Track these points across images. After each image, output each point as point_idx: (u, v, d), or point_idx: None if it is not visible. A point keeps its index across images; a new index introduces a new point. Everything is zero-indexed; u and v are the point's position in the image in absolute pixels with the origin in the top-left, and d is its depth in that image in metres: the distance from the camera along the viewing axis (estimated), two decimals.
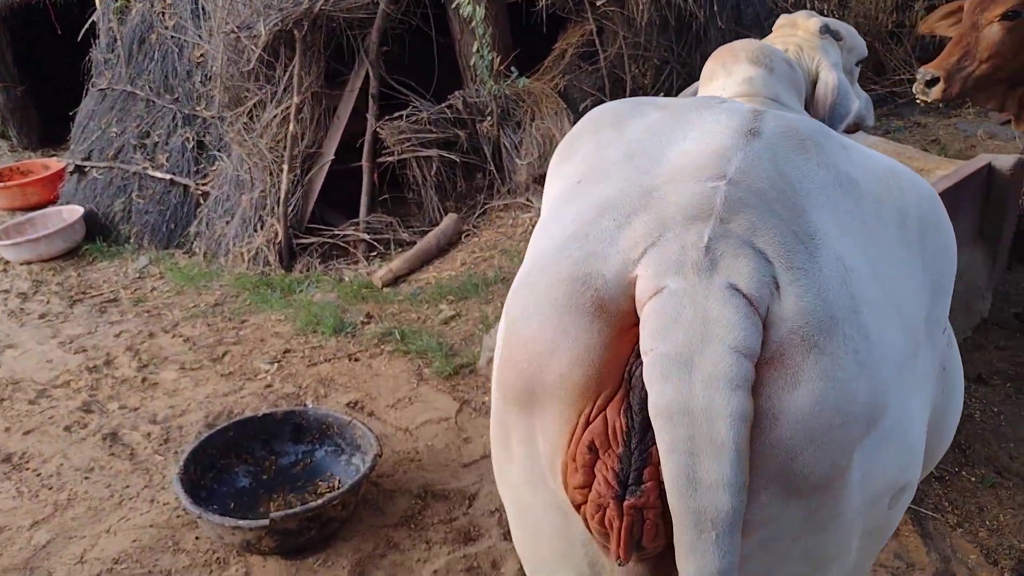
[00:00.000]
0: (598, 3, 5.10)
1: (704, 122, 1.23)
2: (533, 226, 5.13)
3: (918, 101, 3.32)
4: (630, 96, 5.73)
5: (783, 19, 2.48)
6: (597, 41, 5.38)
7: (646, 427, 0.98)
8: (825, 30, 2.42)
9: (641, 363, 1.00)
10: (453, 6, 5.01)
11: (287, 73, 5.24)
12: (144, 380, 4.00)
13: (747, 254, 0.99)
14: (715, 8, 5.31)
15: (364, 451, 2.96)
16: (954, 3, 3.40)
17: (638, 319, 1.03)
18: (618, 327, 1.04)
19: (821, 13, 3.02)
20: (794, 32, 2.42)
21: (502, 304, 4.30)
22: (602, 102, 5.96)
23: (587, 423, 1.03)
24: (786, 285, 0.98)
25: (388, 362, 3.93)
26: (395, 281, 4.82)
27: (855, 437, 0.98)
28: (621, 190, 1.16)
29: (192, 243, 5.64)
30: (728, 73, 2.14)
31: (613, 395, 1.04)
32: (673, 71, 5.58)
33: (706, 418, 0.93)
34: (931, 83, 3.13)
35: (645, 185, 1.15)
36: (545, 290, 1.09)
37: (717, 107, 1.27)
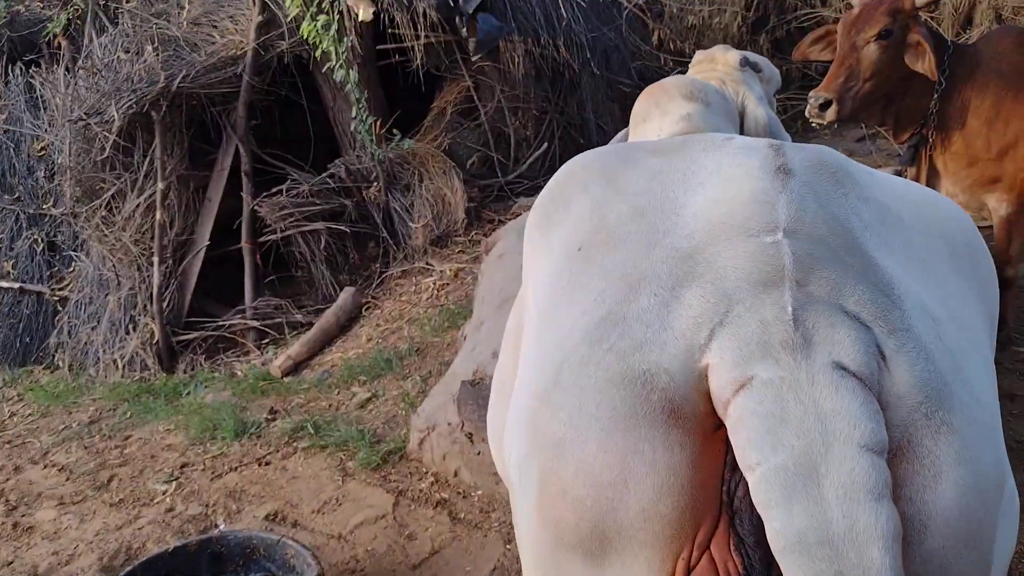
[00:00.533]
0: (473, 60, 5.03)
1: (720, 164, 1.05)
2: (439, 290, 4.93)
3: (813, 124, 3.39)
4: (513, 149, 5.69)
5: (700, 55, 2.45)
6: (476, 96, 5.30)
7: (768, 563, 0.78)
8: (745, 63, 2.39)
9: (742, 479, 0.80)
10: (324, 71, 4.79)
11: (147, 158, 4.82)
12: (15, 525, 3.41)
13: (843, 322, 0.82)
14: (588, 55, 5.37)
15: (300, 572, 2.59)
16: (822, 28, 3.54)
17: (721, 421, 0.83)
18: (700, 436, 0.84)
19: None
20: (713, 67, 2.38)
21: (422, 378, 4.07)
22: (489, 157, 5.92)
23: (688, 569, 0.82)
24: (893, 353, 0.81)
25: (304, 461, 3.55)
26: (296, 368, 4.44)
27: (996, 522, 0.83)
28: (650, 257, 0.96)
29: (54, 356, 5.04)
30: (663, 112, 2.05)
31: (715, 527, 0.83)
32: (552, 120, 5.59)
33: (852, 545, 0.73)
34: (824, 106, 3.19)
35: (681, 248, 0.95)
36: (593, 397, 0.87)
37: (726, 143, 1.12)
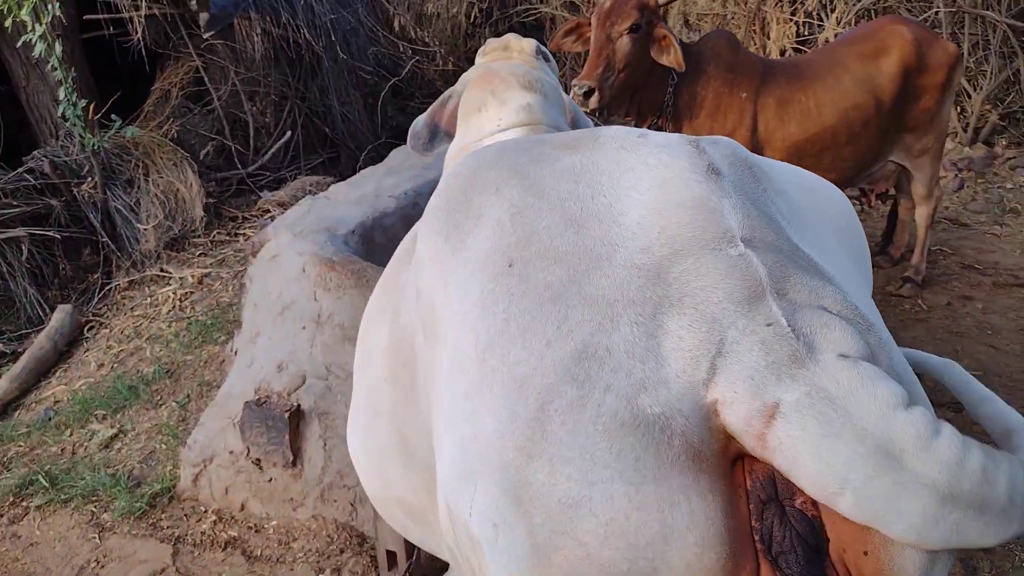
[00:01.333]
0: (204, 36, 4.45)
1: (646, 163, 0.99)
2: (181, 300, 4.31)
3: (582, 111, 3.53)
4: (252, 138, 5.18)
5: (493, 43, 2.35)
6: (206, 79, 4.71)
7: None
8: (538, 52, 2.35)
9: (775, 517, 0.76)
10: (19, 45, 3.90)
11: None
12: None
13: (833, 321, 0.80)
14: (332, 38, 5.05)
15: None
16: (572, 21, 3.70)
17: (736, 458, 0.78)
18: (723, 478, 0.78)
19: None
20: (509, 55, 2.31)
21: (180, 404, 3.53)
22: (225, 147, 5.30)
23: None
24: (876, 348, 0.81)
25: (43, 522, 2.88)
26: (5, 410, 3.60)
27: None
28: (608, 275, 0.87)
29: None
30: (501, 101, 1.95)
31: (757, 571, 0.78)
32: (294, 106, 5.18)
33: (974, 485, 0.73)
34: (588, 94, 3.33)
35: (642, 264, 0.87)
36: (605, 447, 0.77)
37: (643, 139, 1.04)
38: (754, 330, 0.79)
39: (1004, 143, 5.63)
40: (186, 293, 4.22)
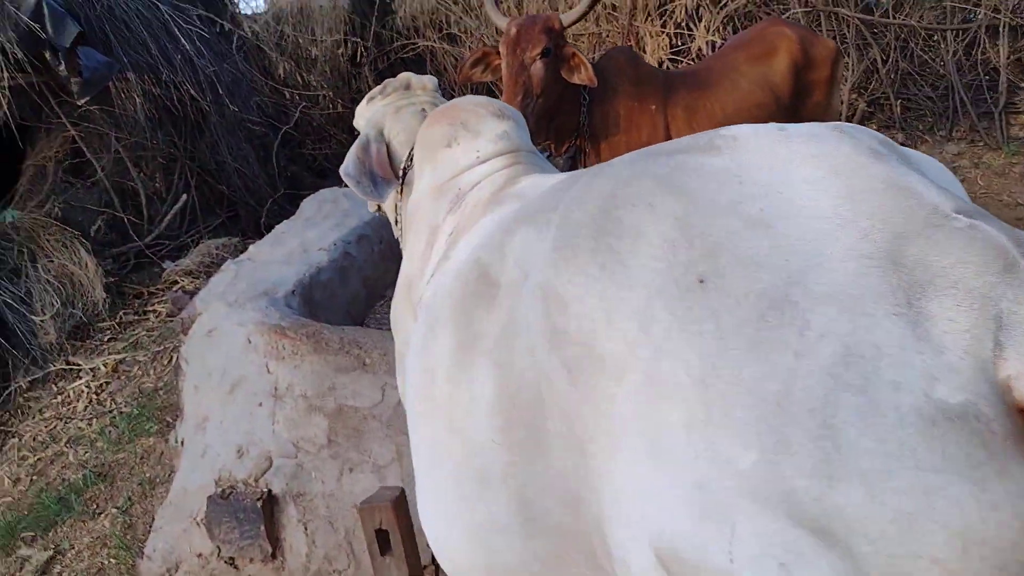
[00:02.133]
0: (79, 103, 4.10)
1: (807, 155, 0.94)
2: (98, 393, 3.91)
3: None
4: (145, 207, 4.81)
5: (392, 83, 2.26)
6: (85, 149, 4.34)
7: None
8: (437, 88, 2.31)
9: None
10: None
11: None
12: None
13: None
14: (219, 91, 4.77)
15: None
16: (478, 51, 3.67)
17: None
18: None
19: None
20: (412, 94, 2.24)
21: (121, 510, 3.19)
22: (117, 220, 4.88)
23: None
24: None
25: None
26: None
27: None
28: (832, 269, 0.81)
29: None
30: (475, 133, 1.87)
31: None
32: (185, 167, 4.87)
33: None
34: None
35: (867, 251, 0.82)
36: (927, 449, 0.70)
37: (785, 134, 0.99)
38: (1006, 290, 0.75)
39: (875, 127, 6.07)
40: (101, 384, 3.84)
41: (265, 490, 2.67)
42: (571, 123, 3.63)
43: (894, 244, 0.81)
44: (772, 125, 1.03)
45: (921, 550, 0.70)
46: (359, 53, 6.34)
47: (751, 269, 0.84)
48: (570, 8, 6.55)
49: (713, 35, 6.37)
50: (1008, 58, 5.81)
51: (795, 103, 4.02)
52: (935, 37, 6.09)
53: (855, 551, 0.72)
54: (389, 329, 2.84)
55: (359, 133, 2.35)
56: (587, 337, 0.97)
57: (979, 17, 5.86)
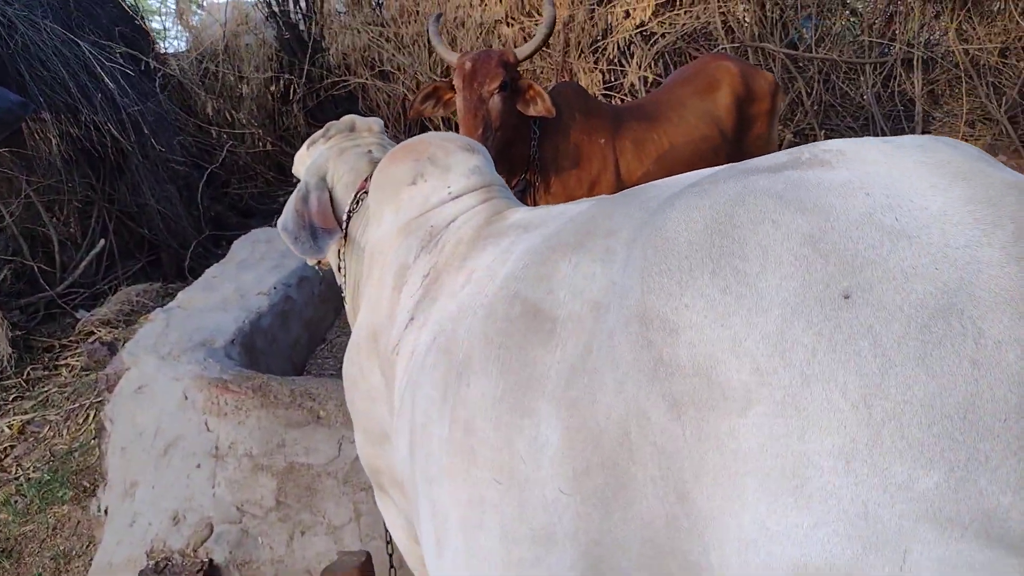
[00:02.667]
0: None
1: (925, 163, 0.93)
2: (2, 458, 3.51)
3: None
4: (58, 254, 4.45)
5: (336, 125, 2.14)
6: None
7: None
8: (383, 129, 2.20)
9: None
10: None
11: None
12: None
13: None
14: (143, 132, 4.48)
15: None
16: (429, 86, 3.57)
17: None
18: None
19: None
20: (358, 135, 2.13)
21: None
22: (26, 268, 4.49)
23: None
24: None
25: None
26: None
27: None
28: (995, 277, 0.79)
29: None
30: (445, 168, 1.75)
31: None
32: (103, 211, 4.54)
33: None
34: None
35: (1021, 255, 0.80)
36: None
37: (891, 144, 0.98)
38: None
39: None
40: (6, 448, 3.46)
41: (206, 560, 2.41)
42: (522, 157, 3.56)
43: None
44: (870, 139, 0.99)
45: None
46: (291, 90, 6.13)
47: (902, 280, 0.80)
48: (502, 45, 6.56)
49: (645, 71, 6.46)
50: (922, 89, 6.07)
51: (739, 135, 4.06)
52: (855, 70, 6.33)
53: None
54: (340, 377, 2.63)
55: (298, 181, 2.20)
56: (704, 367, 0.88)
57: (895, 51, 6.12)
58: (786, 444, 0.80)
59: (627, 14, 6.64)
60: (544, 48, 6.99)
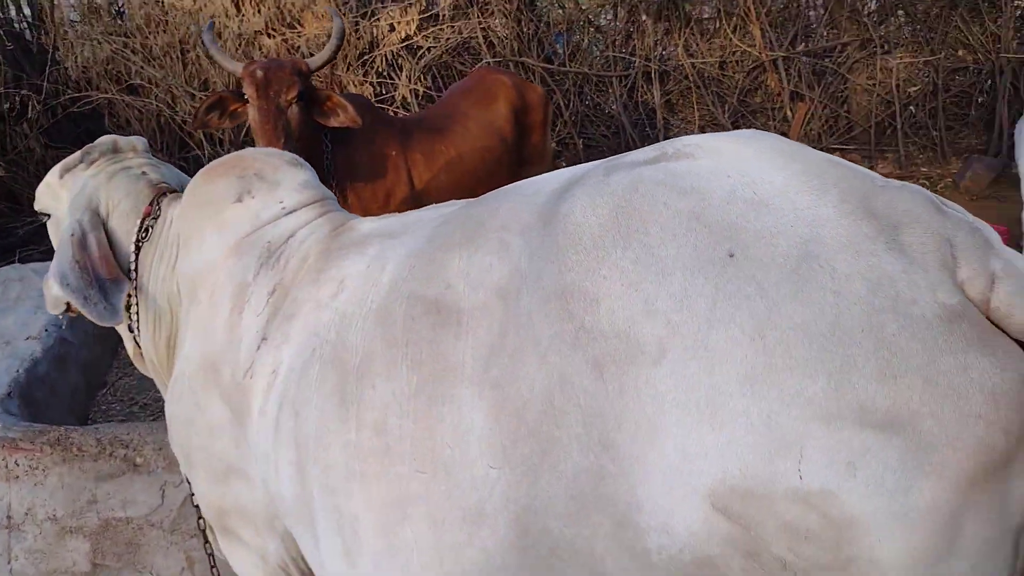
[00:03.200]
0: None
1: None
2: None
3: None
4: None
5: (96, 147, 1.96)
6: None
7: None
8: (147, 147, 2.08)
9: None
10: None
11: None
12: None
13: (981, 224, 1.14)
14: None
15: None
16: (214, 95, 3.41)
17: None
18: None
19: None
20: (123, 156, 1.98)
21: None
22: None
23: None
24: None
25: None
26: None
27: None
28: (835, 232, 1.04)
29: None
30: (273, 183, 1.74)
31: None
32: None
33: None
34: None
35: (848, 210, 1.06)
36: (956, 337, 0.96)
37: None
38: (956, 226, 1.00)
39: (565, 164, 6.72)
40: None
41: None
42: (320, 168, 3.50)
43: (864, 200, 1.03)
44: (719, 134, 1.23)
45: (971, 410, 0.91)
46: (27, 108, 5.43)
47: (769, 238, 1.01)
48: (264, 57, 6.32)
49: (416, 84, 6.59)
50: (661, 100, 6.82)
51: (518, 144, 4.30)
52: (604, 83, 6.96)
53: (921, 429, 0.91)
54: (152, 419, 2.44)
55: (45, 217, 1.98)
56: (623, 328, 1.04)
57: (636, 65, 6.82)
58: (698, 380, 0.98)
59: (392, 27, 6.72)
60: None
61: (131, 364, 4.02)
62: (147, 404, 3.32)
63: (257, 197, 1.71)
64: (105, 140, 1.97)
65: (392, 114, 5.87)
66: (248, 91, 3.22)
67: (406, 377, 1.24)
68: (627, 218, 1.10)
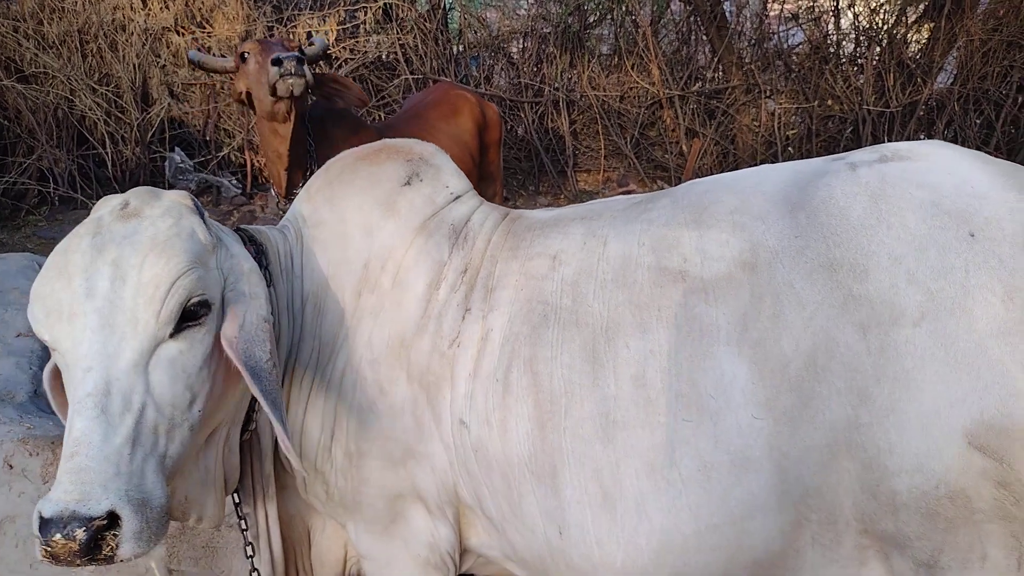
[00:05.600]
0: None
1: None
2: None
3: (283, 94, 3.09)
4: None
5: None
6: None
7: None
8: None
9: None
10: None
11: None
12: None
13: None
14: None
15: None
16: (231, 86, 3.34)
17: None
18: None
19: None
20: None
21: None
22: None
23: None
24: None
25: None
26: None
27: None
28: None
29: None
30: (436, 168, 1.89)
31: None
32: None
33: None
34: (301, 62, 3.06)
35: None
36: None
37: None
38: None
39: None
40: None
41: None
42: (299, 173, 3.47)
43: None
44: (919, 141, 1.45)
45: None
46: None
47: (996, 222, 1.25)
48: (172, 56, 5.99)
49: None
50: (569, 127, 7.20)
51: (481, 159, 4.44)
52: (518, 107, 7.23)
53: None
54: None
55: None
56: (888, 295, 1.24)
57: (546, 93, 7.16)
58: (956, 337, 1.19)
59: (309, 36, 6.62)
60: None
61: None
62: None
63: (426, 180, 1.76)
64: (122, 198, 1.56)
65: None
66: (248, 46, 3.16)
67: (663, 336, 1.40)
68: (885, 204, 1.32)
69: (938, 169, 1.34)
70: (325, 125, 3.63)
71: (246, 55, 3.16)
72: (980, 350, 1.17)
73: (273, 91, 3.02)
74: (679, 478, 1.35)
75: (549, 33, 7.18)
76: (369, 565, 1.76)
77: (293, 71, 2.96)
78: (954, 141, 6.57)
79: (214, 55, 4.01)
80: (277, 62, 2.97)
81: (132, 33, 6.04)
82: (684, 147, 7.02)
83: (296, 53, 3.02)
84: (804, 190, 1.41)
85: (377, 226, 1.70)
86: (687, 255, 1.44)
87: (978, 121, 6.25)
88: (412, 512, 1.66)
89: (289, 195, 3.60)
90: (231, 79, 3.47)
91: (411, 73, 6.80)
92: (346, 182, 1.76)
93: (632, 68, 7.14)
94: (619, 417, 1.40)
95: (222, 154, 6.20)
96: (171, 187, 6.30)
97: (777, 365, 1.30)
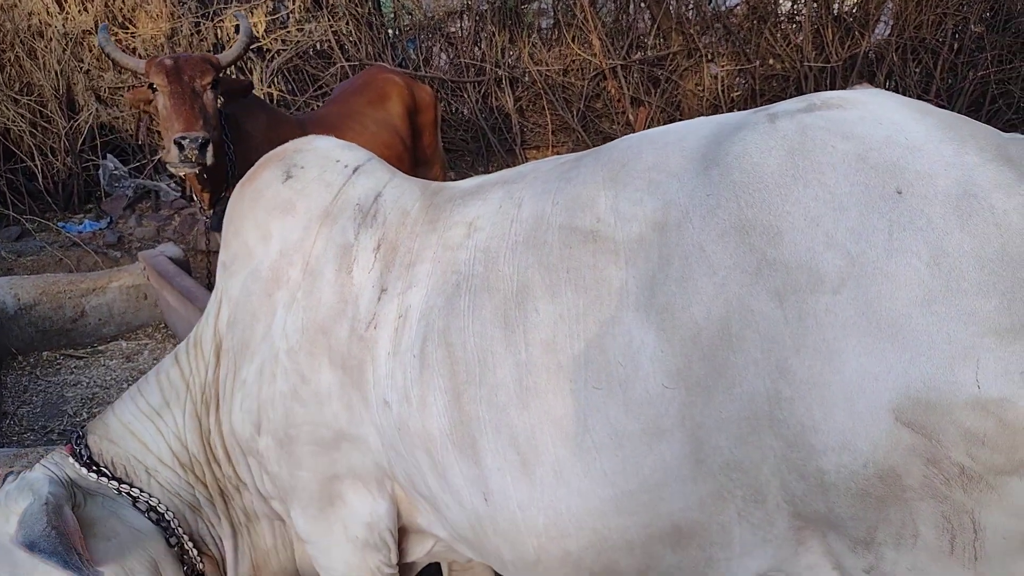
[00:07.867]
0: None
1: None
2: None
3: (178, 173, 3.11)
4: None
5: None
6: None
7: None
8: None
9: None
10: None
11: None
12: None
13: None
14: None
15: None
16: (132, 94, 3.24)
17: None
18: None
19: None
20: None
21: None
22: None
23: None
24: None
25: None
26: None
27: None
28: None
29: None
30: (314, 150, 1.82)
31: None
32: None
33: None
34: (204, 146, 2.99)
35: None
36: None
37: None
38: None
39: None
40: None
41: None
42: (220, 175, 3.36)
43: (999, 149, 1.16)
44: (855, 89, 1.32)
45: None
46: None
47: (929, 177, 1.12)
48: (96, 59, 5.81)
49: (269, 88, 6.37)
50: (514, 104, 7.11)
51: (413, 143, 4.35)
52: (460, 88, 7.12)
53: None
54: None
55: None
56: (805, 260, 1.13)
57: (488, 71, 7.06)
58: (879, 305, 1.08)
59: (237, 29, 6.45)
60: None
61: (26, 391, 3.57)
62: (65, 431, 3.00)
63: (308, 166, 1.74)
64: None
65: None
66: (158, 80, 3.05)
67: (572, 300, 1.32)
68: (802, 159, 1.19)
69: (869, 119, 1.22)
70: (241, 123, 3.52)
71: (155, 88, 3.08)
72: (904, 319, 1.06)
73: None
74: (592, 445, 1.30)
75: (486, 11, 7.05)
76: (310, 549, 1.76)
77: (195, 160, 2.96)
78: (895, 91, 6.57)
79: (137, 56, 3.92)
80: (179, 145, 2.94)
81: (51, 39, 5.84)
82: (631, 117, 6.95)
83: (201, 135, 2.96)
84: (720, 144, 1.29)
85: (275, 229, 1.71)
86: (600, 215, 1.34)
87: (917, 71, 6.24)
88: (349, 493, 1.66)
89: (212, 206, 3.50)
90: (137, 83, 3.38)
91: (347, 60, 6.67)
92: (237, 210, 1.80)
93: (573, 40, 7.05)
94: (532, 383, 1.34)
95: (157, 158, 6.03)
96: (107, 195, 6.15)
97: (688, 333, 1.21)
